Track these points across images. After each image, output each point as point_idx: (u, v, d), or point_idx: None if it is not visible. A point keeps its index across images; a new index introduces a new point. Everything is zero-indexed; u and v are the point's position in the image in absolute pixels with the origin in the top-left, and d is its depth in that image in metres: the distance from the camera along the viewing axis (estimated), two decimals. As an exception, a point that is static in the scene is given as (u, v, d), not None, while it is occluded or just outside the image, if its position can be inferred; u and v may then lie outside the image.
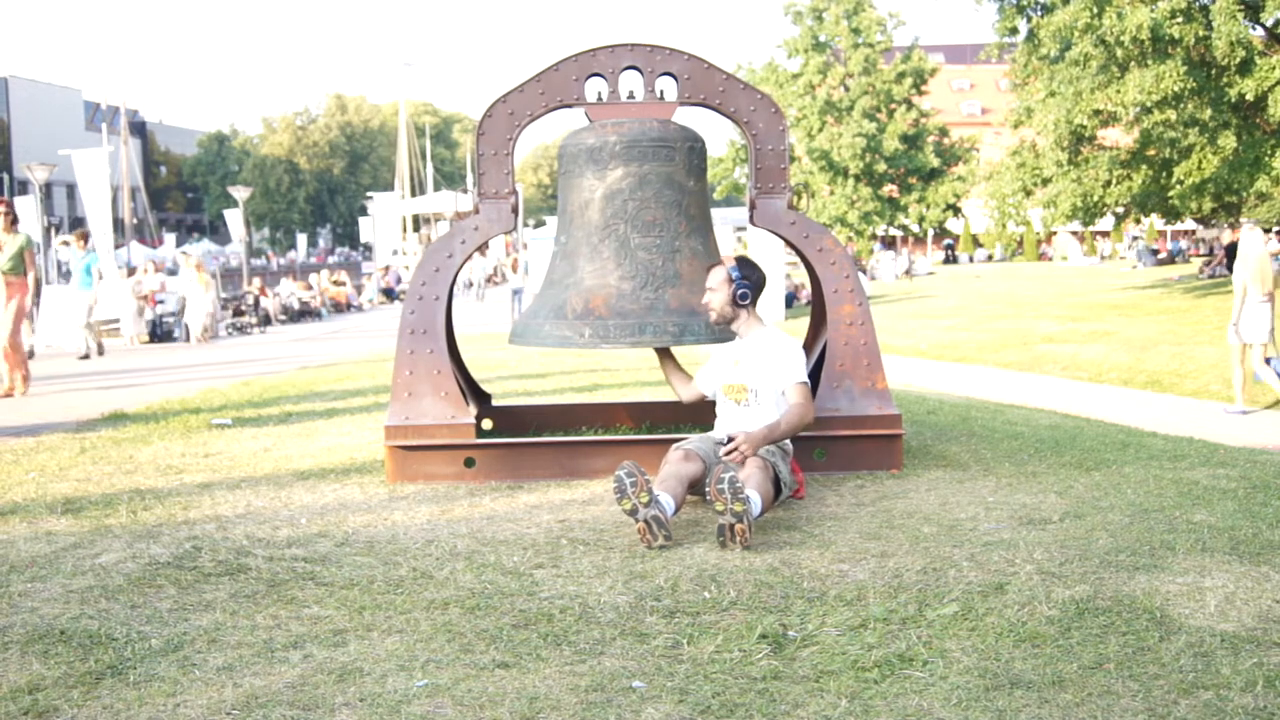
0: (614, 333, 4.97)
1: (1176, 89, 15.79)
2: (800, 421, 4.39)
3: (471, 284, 32.32)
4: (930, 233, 46.15)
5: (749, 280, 4.60)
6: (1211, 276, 25.09)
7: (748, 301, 4.59)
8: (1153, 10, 15.88)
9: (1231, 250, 24.46)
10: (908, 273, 38.90)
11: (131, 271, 23.29)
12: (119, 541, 3.97)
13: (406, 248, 45.23)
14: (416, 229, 51.85)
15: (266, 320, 23.40)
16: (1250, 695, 2.48)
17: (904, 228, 43.67)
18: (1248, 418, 10.13)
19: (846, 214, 39.87)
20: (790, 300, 23.26)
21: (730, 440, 4.26)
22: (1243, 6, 15.84)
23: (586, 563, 3.63)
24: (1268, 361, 10.22)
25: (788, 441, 4.56)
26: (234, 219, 37.36)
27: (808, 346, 5.95)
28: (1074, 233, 47.45)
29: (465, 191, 48.72)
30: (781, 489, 4.31)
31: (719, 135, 67.59)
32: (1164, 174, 18.51)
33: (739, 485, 3.74)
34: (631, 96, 5.24)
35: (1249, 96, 16.02)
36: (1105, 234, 47.44)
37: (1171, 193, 18.43)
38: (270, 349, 16.63)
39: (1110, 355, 13.88)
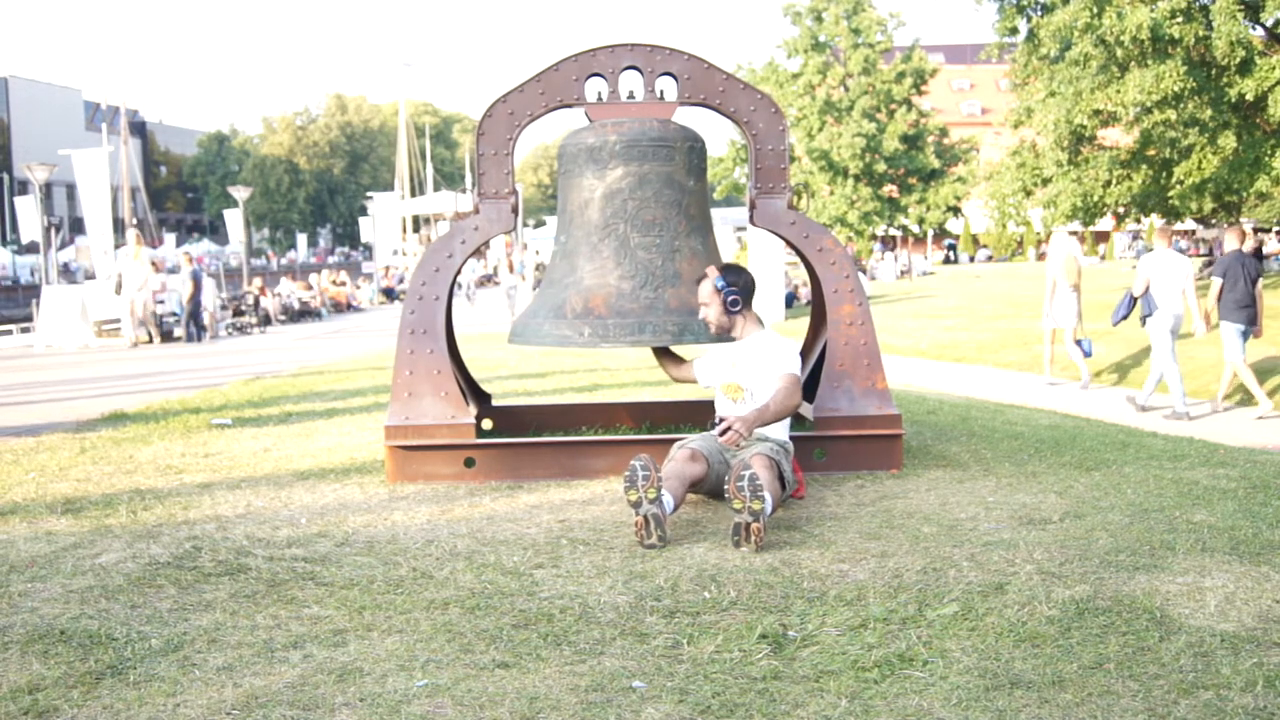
0: (614, 332, 4.97)
1: (1176, 89, 15.77)
2: (787, 403, 4.38)
3: (461, 285, 31.68)
4: (930, 233, 46.13)
5: (736, 287, 4.67)
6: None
7: (739, 309, 4.67)
8: (1153, 10, 15.86)
9: (1255, 252, 24.61)
10: (905, 273, 38.92)
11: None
12: (119, 541, 3.97)
13: (407, 248, 45.21)
14: (416, 229, 51.84)
15: (266, 320, 23.40)
16: (1250, 695, 2.48)
17: (904, 228, 43.66)
18: (1056, 389, 12.10)
19: (846, 214, 39.85)
20: (790, 300, 23.25)
21: (722, 421, 4.26)
22: (1243, 6, 15.81)
23: (586, 563, 3.63)
24: (1078, 343, 12.27)
25: (789, 441, 4.59)
26: (234, 219, 37.37)
27: (808, 346, 5.96)
28: (1073, 233, 47.40)
29: (465, 191, 48.69)
30: (785, 485, 4.33)
31: (719, 135, 67.64)
32: (1164, 174, 18.49)
33: (759, 483, 3.74)
34: (631, 96, 5.24)
35: (1249, 96, 15.99)
36: (1102, 235, 47.33)
37: (1171, 193, 18.40)
38: (270, 349, 16.62)
39: (1110, 355, 13.87)
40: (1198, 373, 12.28)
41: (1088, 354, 12.24)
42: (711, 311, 4.69)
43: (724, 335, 4.76)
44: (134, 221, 20.87)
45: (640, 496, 3.79)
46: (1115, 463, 5.31)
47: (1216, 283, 10.40)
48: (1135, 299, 10.70)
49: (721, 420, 4.25)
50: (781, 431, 4.56)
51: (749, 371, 4.60)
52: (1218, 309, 10.40)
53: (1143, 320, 10.57)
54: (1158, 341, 10.40)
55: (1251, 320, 10.20)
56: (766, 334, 4.73)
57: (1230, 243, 11.00)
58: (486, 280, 41.67)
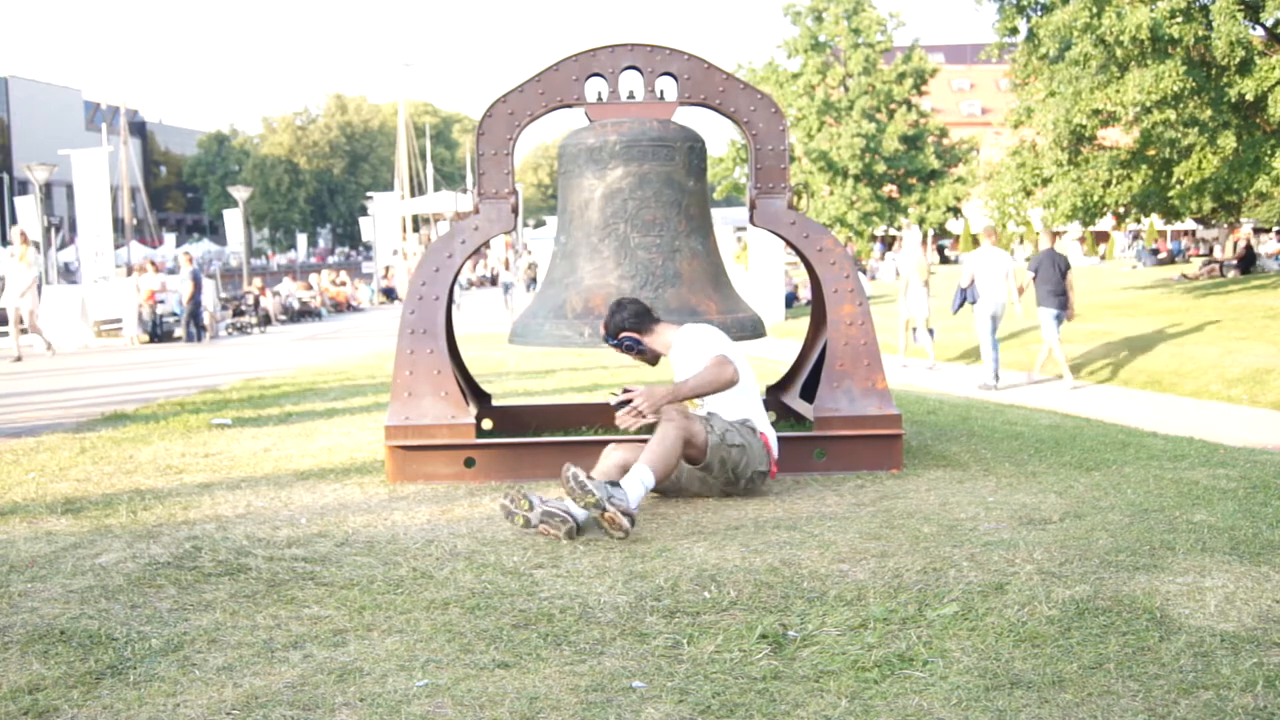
0: (614, 333, 4.97)
1: (1176, 89, 15.75)
2: (710, 380, 4.32)
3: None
4: (930, 233, 46.16)
5: (624, 330, 4.68)
6: (1211, 275, 25.08)
7: (635, 347, 4.70)
8: (1152, 10, 15.84)
9: (1250, 257, 24.76)
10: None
11: (131, 271, 23.30)
12: (119, 541, 3.97)
13: (407, 248, 45.21)
14: (416, 229, 51.83)
15: (266, 320, 23.41)
16: (1250, 695, 2.48)
17: (903, 229, 43.68)
18: (907, 370, 13.86)
19: (846, 214, 39.87)
20: (790, 300, 23.25)
21: (625, 392, 4.26)
22: (1243, 6, 15.79)
23: (586, 563, 3.63)
24: (930, 332, 14.25)
25: (750, 419, 4.53)
26: (234, 219, 37.34)
27: (808, 346, 5.96)
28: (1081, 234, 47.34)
29: (465, 191, 48.68)
30: (706, 454, 4.32)
31: (719, 135, 67.60)
32: (1164, 174, 18.46)
33: (582, 478, 3.84)
34: (631, 96, 5.25)
35: (1249, 96, 15.96)
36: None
37: (1171, 193, 18.37)
38: (270, 349, 16.62)
39: (1110, 355, 13.88)
40: (1199, 372, 12.31)
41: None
42: (640, 359, 4.78)
43: (658, 359, 4.82)
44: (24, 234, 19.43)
45: (524, 517, 3.96)
46: (1115, 463, 5.31)
47: (1029, 275, 12.54)
48: (964, 290, 12.92)
49: (626, 391, 4.25)
50: (732, 409, 4.51)
51: (683, 375, 4.58)
52: (1035, 298, 12.49)
53: (968, 303, 12.90)
54: (979, 326, 12.68)
55: (1063, 306, 12.30)
56: (682, 333, 4.68)
57: (1044, 241, 13.38)
58: (484, 281, 41.60)
